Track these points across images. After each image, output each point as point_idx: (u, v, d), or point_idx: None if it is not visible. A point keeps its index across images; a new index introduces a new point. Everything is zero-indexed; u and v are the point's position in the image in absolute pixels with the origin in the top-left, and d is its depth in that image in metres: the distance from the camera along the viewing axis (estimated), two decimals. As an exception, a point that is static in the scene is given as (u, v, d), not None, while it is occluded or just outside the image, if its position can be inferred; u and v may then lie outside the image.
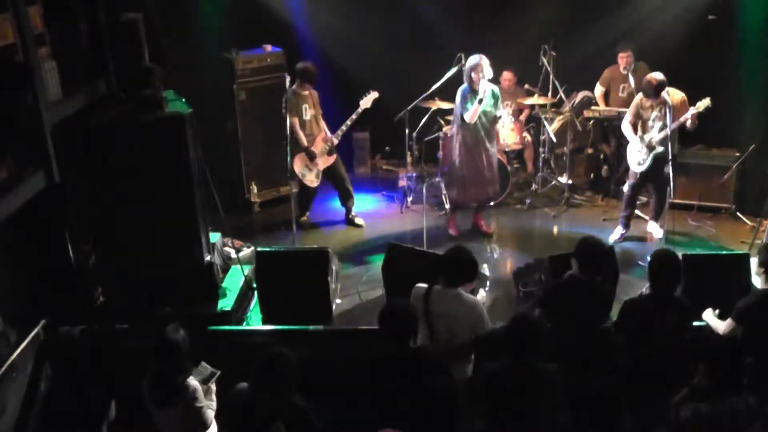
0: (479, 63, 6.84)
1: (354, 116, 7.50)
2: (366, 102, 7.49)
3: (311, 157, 7.48)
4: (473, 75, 6.85)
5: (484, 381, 4.06)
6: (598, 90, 8.34)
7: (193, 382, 4.05)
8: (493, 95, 7.03)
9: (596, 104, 8.34)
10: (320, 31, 8.27)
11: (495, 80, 8.48)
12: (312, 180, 7.61)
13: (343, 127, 7.55)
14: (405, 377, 3.89)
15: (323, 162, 7.58)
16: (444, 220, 7.70)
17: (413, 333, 4.13)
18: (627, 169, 7.32)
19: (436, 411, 3.39)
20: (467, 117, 6.90)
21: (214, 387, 4.20)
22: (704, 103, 6.66)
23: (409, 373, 3.91)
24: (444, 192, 7.98)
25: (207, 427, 4.10)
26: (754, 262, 5.11)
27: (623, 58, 7.98)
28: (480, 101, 6.86)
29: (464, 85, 7.00)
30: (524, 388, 3.92)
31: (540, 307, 4.81)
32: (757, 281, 4.89)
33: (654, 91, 6.63)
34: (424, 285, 4.58)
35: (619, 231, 7.18)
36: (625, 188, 7.23)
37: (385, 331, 4.14)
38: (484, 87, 6.90)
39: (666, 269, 4.53)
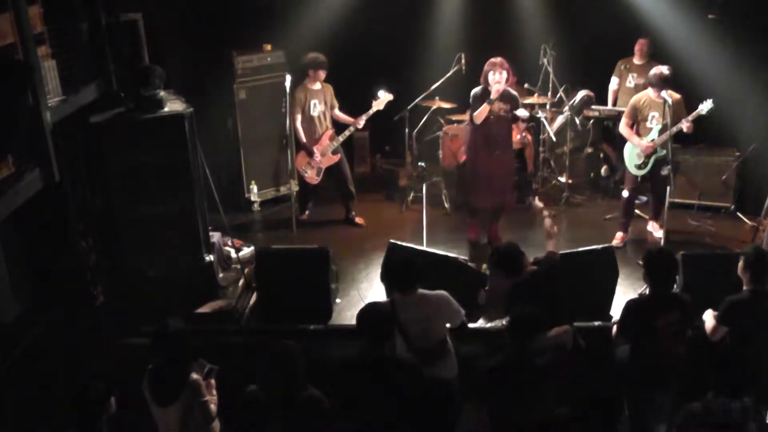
0: (498, 62, 6.47)
1: (364, 117, 7.40)
2: (379, 104, 7.34)
3: (310, 154, 7.45)
4: (489, 75, 6.49)
5: (485, 376, 4.06)
6: (614, 83, 8.33)
7: (195, 375, 4.04)
8: (511, 97, 6.67)
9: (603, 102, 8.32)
10: (320, 31, 8.26)
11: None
12: (313, 177, 7.59)
13: (351, 128, 7.49)
14: (377, 379, 3.88)
15: (327, 160, 7.53)
16: (444, 220, 7.68)
17: (390, 334, 4.09)
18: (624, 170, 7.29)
19: (409, 412, 3.41)
20: (475, 118, 6.59)
21: (213, 382, 4.19)
22: (706, 106, 6.52)
23: (381, 375, 3.89)
24: (444, 191, 7.99)
25: (213, 420, 4.09)
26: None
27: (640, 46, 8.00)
28: (491, 102, 6.49)
29: (478, 87, 6.66)
30: (525, 382, 3.92)
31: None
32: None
33: (662, 83, 6.53)
34: (382, 300, 4.58)
35: (620, 235, 7.14)
36: (624, 194, 7.07)
37: (362, 331, 4.06)
38: (498, 88, 6.48)
39: (661, 266, 4.52)
